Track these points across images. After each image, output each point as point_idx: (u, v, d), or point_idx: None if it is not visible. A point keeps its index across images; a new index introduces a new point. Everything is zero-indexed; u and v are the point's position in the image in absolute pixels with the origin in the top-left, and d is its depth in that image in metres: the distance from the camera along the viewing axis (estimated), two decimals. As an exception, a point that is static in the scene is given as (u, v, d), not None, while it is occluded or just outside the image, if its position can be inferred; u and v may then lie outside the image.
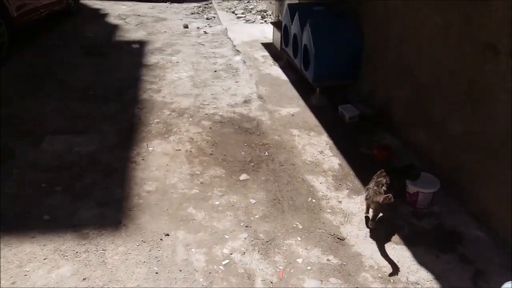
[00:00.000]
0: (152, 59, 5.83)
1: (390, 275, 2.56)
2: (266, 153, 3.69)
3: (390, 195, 2.71)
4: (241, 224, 2.87)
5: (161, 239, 2.69)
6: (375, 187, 2.86)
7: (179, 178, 3.28)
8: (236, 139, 3.90)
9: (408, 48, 3.70)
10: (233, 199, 3.10)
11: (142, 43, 6.49)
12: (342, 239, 2.82)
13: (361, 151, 3.81)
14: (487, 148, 2.87)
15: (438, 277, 2.56)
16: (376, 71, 4.34)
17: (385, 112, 4.17)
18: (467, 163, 3.08)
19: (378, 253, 2.71)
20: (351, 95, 4.74)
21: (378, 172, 2.98)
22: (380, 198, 2.73)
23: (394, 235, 2.87)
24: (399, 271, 2.59)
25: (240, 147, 3.76)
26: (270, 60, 5.99)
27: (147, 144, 3.69)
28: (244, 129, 4.07)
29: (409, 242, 2.81)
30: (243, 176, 3.36)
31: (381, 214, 2.92)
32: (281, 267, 2.55)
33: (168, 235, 2.72)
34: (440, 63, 3.27)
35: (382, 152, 3.69)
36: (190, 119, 4.20)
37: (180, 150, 3.65)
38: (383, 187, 2.84)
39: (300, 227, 2.89)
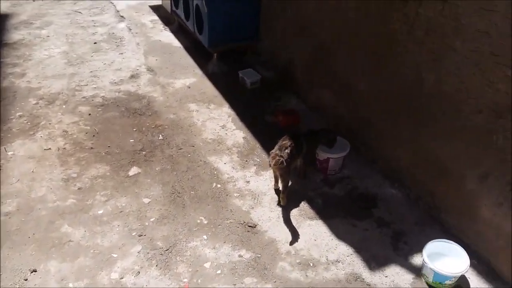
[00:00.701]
0: (15, 35, 4.82)
1: (309, 258, 2.32)
2: (160, 137, 3.20)
3: (280, 157, 2.45)
4: (133, 234, 2.40)
5: (26, 279, 2.12)
6: (277, 151, 2.56)
7: (49, 188, 2.67)
8: (123, 124, 3.33)
9: (307, 2, 3.35)
10: (122, 203, 2.60)
11: (2, 17, 5.37)
12: (253, 226, 2.51)
13: (266, 119, 3.49)
14: (393, 104, 2.69)
15: (358, 249, 2.38)
16: (275, 30, 3.96)
17: (288, 74, 3.86)
18: (375, 122, 2.91)
19: (294, 235, 2.46)
20: (252, 59, 4.34)
21: (284, 136, 2.69)
22: (272, 161, 2.46)
23: (308, 210, 2.64)
24: (318, 251, 2.36)
25: (128, 134, 3.21)
26: (160, 25, 5.31)
27: (5, 148, 2.97)
28: (132, 110, 3.50)
29: (324, 215, 2.60)
30: (133, 170, 2.85)
31: (290, 183, 2.66)
32: (185, 280, 2.16)
33: (35, 271, 2.16)
34: (342, 16, 2.98)
35: (286, 118, 3.40)
36: (64, 106, 3.50)
37: (50, 149, 3.00)
38: (286, 150, 2.54)
39: (206, 222, 2.52)
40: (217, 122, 3.42)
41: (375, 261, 2.32)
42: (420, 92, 2.44)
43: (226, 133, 3.29)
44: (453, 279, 2.09)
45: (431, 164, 2.50)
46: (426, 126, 2.47)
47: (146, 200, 2.63)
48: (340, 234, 2.48)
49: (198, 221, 2.52)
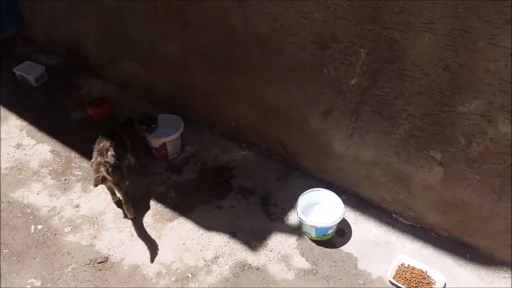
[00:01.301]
0: None
1: (185, 269, 1.95)
2: None
3: (100, 174, 1.94)
4: None
5: None
6: (98, 158, 2.03)
7: None
8: None
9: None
10: None
11: None
12: (104, 261, 1.98)
13: (73, 117, 2.79)
14: (213, 62, 2.35)
15: (232, 232, 2.11)
16: (42, 5, 3.09)
17: (79, 55, 3.12)
18: (199, 85, 2.55)
19: (159, 249, 2.03)
20: (23, 48, 3.38)
21: (100, 137, 2.14)
22: (94, 182, 1.95)
23: (163, 210, 2.21)
24: (192, 255, 2.00)
25: None
26: None
27: None
28: None
29: (184, 210, 2.22)
30: None
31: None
32: None
33: None
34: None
35: (96, 109, 2.77)
36: None
37: None
38: (109, 153, 2.04)
39: (39, 283, 1.87)
40: (7, 142, 2.58)
41: (254, 239, 2.09)
42: (236, 41, 2.15)
43: (26, 153, 2.51)
44: (334, 226, 2.02)
45: (273, 113, 2.32)
46: (256, 78, 2.23)
47: None
48: (208, 224, 2.16)
49: (29, 286, 1.85)
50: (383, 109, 1.87)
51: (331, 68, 1.92)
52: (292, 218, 2.18)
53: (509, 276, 1.91)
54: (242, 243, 2.06)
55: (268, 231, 2.12)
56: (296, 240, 2.08)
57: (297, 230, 2.12)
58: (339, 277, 1.92)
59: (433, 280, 1.89)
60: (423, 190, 2.00)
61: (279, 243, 2.07)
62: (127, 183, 2.15)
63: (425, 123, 1.79)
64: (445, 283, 1.86)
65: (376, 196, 2.21)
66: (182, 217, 2.18)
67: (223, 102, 2.52)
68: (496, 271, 1.93)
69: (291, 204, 2.23)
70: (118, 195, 2.18)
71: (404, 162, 1.97)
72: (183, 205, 2.25)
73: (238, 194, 2.32)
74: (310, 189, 2.16)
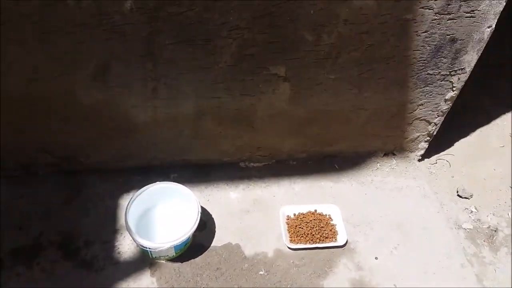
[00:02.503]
0: None
1: None
2: None
3: None
4: None
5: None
6: None
7: None
8: None
9: None
10: None
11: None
12: None
13: None
14: None
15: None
16: None
17: None
18: None
19: None
20: None
21: None
22: None
23: None
24: None
25: None
26: None
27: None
28: None
29: None
30: None
31: None
32: None
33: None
34: None
35: None
36: None
37: None
38: None
39: None
40: None
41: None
42: None
43: None
44: (196, 225, 1.34)
45: (11, 107, 1.29)
46: None
47: None
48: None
49: None
50: (191, 32, 1.17)
51: (77, -6, 1.04)
52: (125, 247, 1.38)
53: (380, 163, 1.74)
54: None
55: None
56: (152, 275, 1.33)
57: (143, 262, 1.35)
58: (237, 284, 1.34)
59: (326, 215, 1.53)
60: (270, 120, 1.51)
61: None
62: None
63: (257, 33, 1.20)
64: (339, 210, 1.54)
65: (214, 153, 1.62)
66: None
67: None
68: (368, 165, 1.73)
69: (111, 228, 1.41)
70: None
71: (239, 96, 1.40)
72: None
73: (18, 265, 1.32)
74: (132, 196, 1.37)
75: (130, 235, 1.26)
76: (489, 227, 1.60)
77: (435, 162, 1.84)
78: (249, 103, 1.43)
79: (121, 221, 1.42)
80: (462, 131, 1.98)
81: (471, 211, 1.65)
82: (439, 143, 1.82)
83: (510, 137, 1.99)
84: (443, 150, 1.89)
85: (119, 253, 1.36)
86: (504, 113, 2.12)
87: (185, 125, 1.46)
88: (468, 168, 1.83)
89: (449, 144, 1.92)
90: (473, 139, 1.98)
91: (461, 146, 1.93)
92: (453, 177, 1.79)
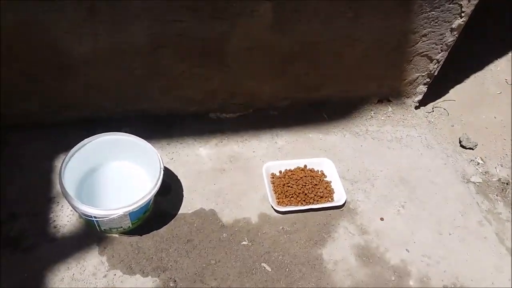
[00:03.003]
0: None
1: None
2: None
3: None
4: None
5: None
6: None
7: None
8: None
9: None
10: None
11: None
12: None
13: None
14: None
15: None
16: None
17: None
18: None
19: None
20: None
21: None
22: None
23: None
24: None
25: None
26: None
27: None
28: None
29: None
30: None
31: None
32: None
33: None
34: None
35: None
36: None
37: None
38: None
39: None
40: None
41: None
42: None
43: None
44: (151, 195, 1.02)
45: None
46: None
47: None
48: None
49: None
50: None
51: None
52: (63, 220, 1.05)
53: (374, 111, 1.49)
54: None
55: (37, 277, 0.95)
56: (101, 253, 1.01)
57: (89, 237, 1.03)
58: (214, 259, 1.05)
59: (318, 171, 1.27)
60: (247, 55, 1.21)
61: (85, 278, 0.96)
62: None
63: None
64: (333, 164, 1.28)
65: (176, 100, 1.30)
66: None
67: None
68: (361, 114, 1.48)
69: (44, 197, 1.07)
70: None
71: (208, 20, 1.08)
72: None
73: None
74: (69, 152, 1.03)
75: (68, 201, 0.93)
76: (499, 179, 1.40)
77: (431, 110, 1.62)
78: (221, 30, 1.11)
79: (57, 186, 1.08)
80: (456, 78, 1.78)
81: (478, 163, 1.44)
82: (434, 90, 1.60)
83: (508, 84, 1.80)
84: (438, 98, 1.67)
85: (55, 227, 1.03)
86: (496, 58, 1.94)
87: (136, 60, 1.13)
88: (468, 116, 1.62)
89: (444, 91, 1.71)
90: (468, 85, 1.78)
91: (457, 92, 1.72)
92: (453, 126, 1.57)
